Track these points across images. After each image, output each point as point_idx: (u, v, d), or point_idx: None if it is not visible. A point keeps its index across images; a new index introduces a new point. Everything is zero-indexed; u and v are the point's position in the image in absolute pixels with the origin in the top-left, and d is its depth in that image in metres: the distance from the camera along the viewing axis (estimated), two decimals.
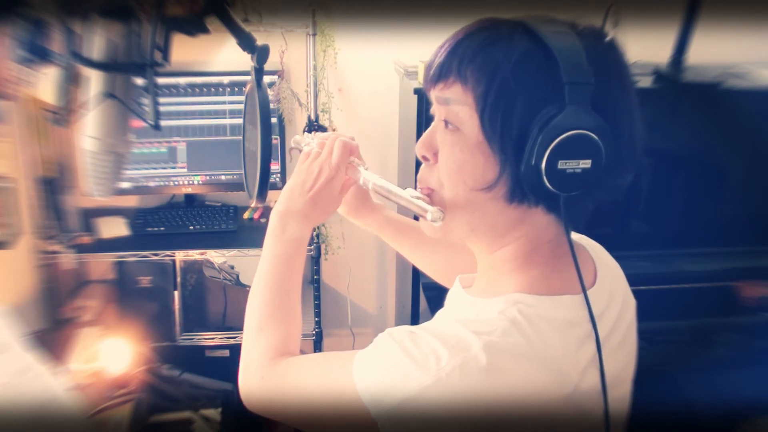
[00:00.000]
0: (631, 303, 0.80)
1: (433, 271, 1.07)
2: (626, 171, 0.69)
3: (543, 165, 0.64)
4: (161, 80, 1.97)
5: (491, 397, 0.62)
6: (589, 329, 0.68)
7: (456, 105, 0.68)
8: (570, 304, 0.69)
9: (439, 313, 0.76)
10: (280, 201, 0.87)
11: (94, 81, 0.81)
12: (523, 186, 0.66)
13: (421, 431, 0.64)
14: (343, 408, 0.69)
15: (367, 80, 2.19)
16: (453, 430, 0.62)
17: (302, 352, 0.82)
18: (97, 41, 0.79)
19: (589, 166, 0.65)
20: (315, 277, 2.17)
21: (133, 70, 0.82)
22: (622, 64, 0.69)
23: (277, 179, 2.14)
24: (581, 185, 0.66)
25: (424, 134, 0.73)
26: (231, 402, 1.88)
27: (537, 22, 0.66)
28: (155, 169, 2.09)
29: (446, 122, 0.70)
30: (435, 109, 0.73)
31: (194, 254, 2.04)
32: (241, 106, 0.93)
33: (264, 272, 0.86)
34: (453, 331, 0.66)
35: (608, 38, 0.69)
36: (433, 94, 0.72)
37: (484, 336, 0.64)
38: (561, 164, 0.64)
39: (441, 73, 0.69)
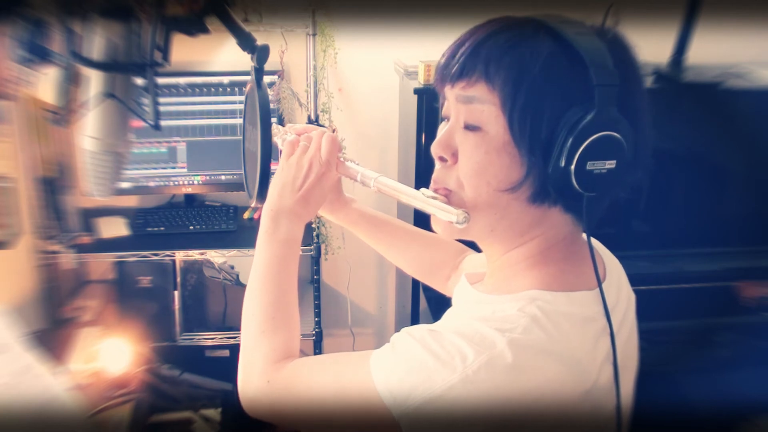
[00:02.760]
0: (632, 298, 0.80)
1: (406, 266, 1.06)
2: (641, 169, 0.70)
3: (572, 166, 0.64)
4: (161, 80, 1.97)
5: (516, 394, 0.62)
6: (603, 324, 0.68)
7: (480, 105, 0.67)
8: (585, 299, 0.70)
9: (450, 311, 0.76)
10: (270, 199, 0.86)
11: (94, 81, 0.81)
12: (548, 187, 0.66)
13: (445, 430, 0.63)
14: (361, 409, 0.68)
15: (367, 80, 2.19)
16: (477, 429, 0.62)
17: (302, 352, 0.82)
18: (97, 41, 0.78)
19: (614, 166, 0.66)
20: (315, 277, 2.17)
21: (133, 70, 0.81)
22: (638, 64, 0.70)
23: None
24: (606, 185, 0.66)
25: (442, 134, 0.72)
26: (231, 402, 1.88)
27: (557, 23, 0.66)
28: (155, 169, 2.09)
29: (467, 122, 0.69)
30: (451, 108, 0.71)
31: (194, 254, 2.04)
32: (241, 106, 0.93)
33: (260, 274, 0.85)
34: (475, 328, 0.65)
35: (624, 38, 0.69)
36: (451, 93, 0.70)
37: (507, 333, 0.64)
38: (589, 165, 0.64)
39: (463, 71, 0.68)
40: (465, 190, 0.70)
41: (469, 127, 0.69)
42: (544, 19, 0.67)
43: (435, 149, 0.72)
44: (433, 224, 0.75)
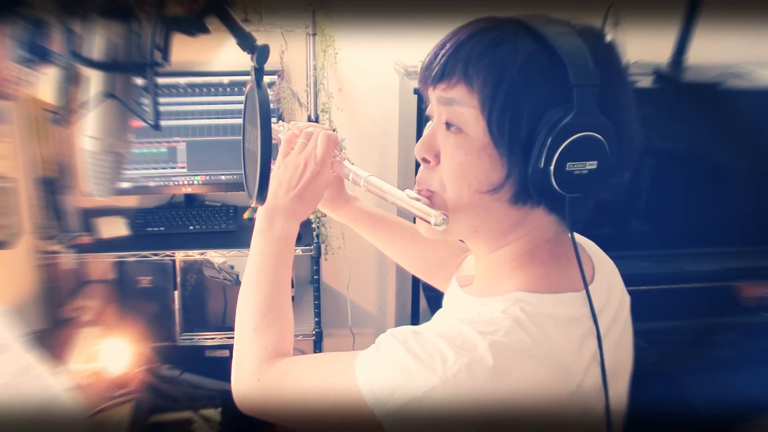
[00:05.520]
0: (626, 299, 0.80)
1: (407, 263, 1.07)
2: (626, 170, 0.70)
3: (552, 167, 0.64)
4: (161, 80, 1.97)
5: (497, 397, 0.62)
6: (590, 326, 0.68)
7: (460, 106, 0.67)
8: (571, 301, 0.69)
9: (439, 313, 0.76)
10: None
11: (94, 81, 0.81)
12: (529, 188, 0.66)
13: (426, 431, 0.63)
14: (345, 409, 0.68)
15: (367, 80, 2.19)
16: (459, 430, 0.62)
17: (302, 352, 0.82)
18: (97, 41, 0.78)
19: (595, 167, 0.65)
20: (315, 277, 2.17)
21: (133, 70, 0.81)
22: (622, 64, 0.69)
23: None
24: (587, 186, 0.66)
25: (424, 136, 0.73)
26: (231, 402, 1.87)
27: (539, 23, 0.66)
28: (155, 169, 2.09)
29: (448, 123, 0.69)
30: (434, 110, 0.72)
31: (194, 254, 2.04)
32: (241, 106, 0.93)
33: (254, 272, 0.85)
34: (458, 330, 0.65)
35: (607, 37, 0.69)
36: (433, 95, 0.71)
37: (488, 335, 0.64)
38: (569, 166, 0.64)
39: (444, 73, 0.68)
40: (447, 192, 0.70)
41: (450, 129, 0.69)
42: (527, 19, 0.67)
43: (418, 150, 0.73)
44: (417, 224, 0.75)
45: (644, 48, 1.75)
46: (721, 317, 1.97)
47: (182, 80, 2.04)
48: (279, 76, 2.06)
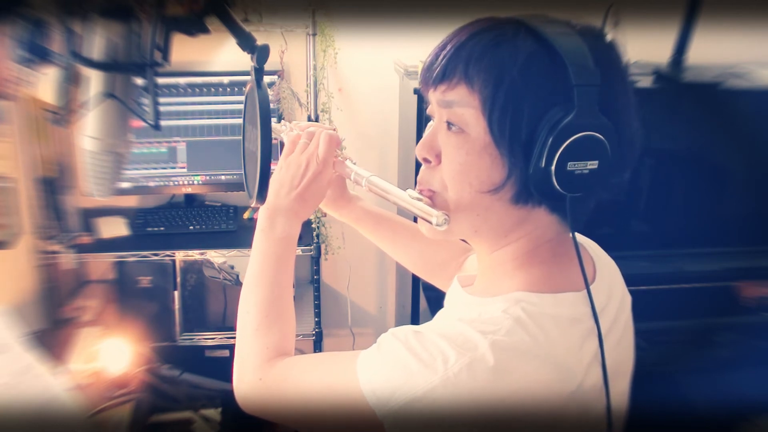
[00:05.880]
0: (628, 299, 0.80)
1: (409, 263, 1.07)
2: (626, 169, 0.70)
3: (553, 167, 0.64)
4: (161, 80, 1.97)
5: (498, 396, 0.62)
6: (591, 325, 0.68)
7: (461, 107, 0.67)
8: (572, 301, 0.70)
9: (440, 313, 0.76)
10: (267, 197, 0.86)
11: (94, 81, 0.81)
12: (530, 187, 0.66)
13: (427, 431, 0.63)
14: (346, 409, 0.68)
15: (367, 80, 2.19)
16: (460, 430, 0.62)
17: (302, 352, 0.82)
18: (97, 41, 0.79)
19: (596, 166, 0.65)
20: (315, 277, 2.17)
21: (133, 70, 0.82)
22: (622, 64, 0.69)
23: None
24: (588, 186, 0.66)
25: (425, 136, 0.73)
26: (231, 402, 1.87)
27: (539, 23, 0.66)
28: (155, 169, 2.09)
29: (449, 124, 0.69)
30: (435, 111, 0.72)
31: (194, 254, 2.04)
32: (241, 106, 0.93)
33: (255, 272, 0.86)
34: (459, 330, 0.66)
35: (607, 37, 0.69)
36: (434, 96, 0.71)
37: (489, 335, 0.64)
38: (570, 166, 0.64)
39: (444, 74, 0.68)
40: (448, 192, 0.71)
41: (451, 129, 0.69)
42: (527, 19, 0.67)
43: (419, 150, 0.73)
44: (419, 224, 0.75)
45: (644, 48, 1.75)
46: (721, 317, 1.97)
47: (182, 80, 2.04)
48: (279, 76, 2.06)
